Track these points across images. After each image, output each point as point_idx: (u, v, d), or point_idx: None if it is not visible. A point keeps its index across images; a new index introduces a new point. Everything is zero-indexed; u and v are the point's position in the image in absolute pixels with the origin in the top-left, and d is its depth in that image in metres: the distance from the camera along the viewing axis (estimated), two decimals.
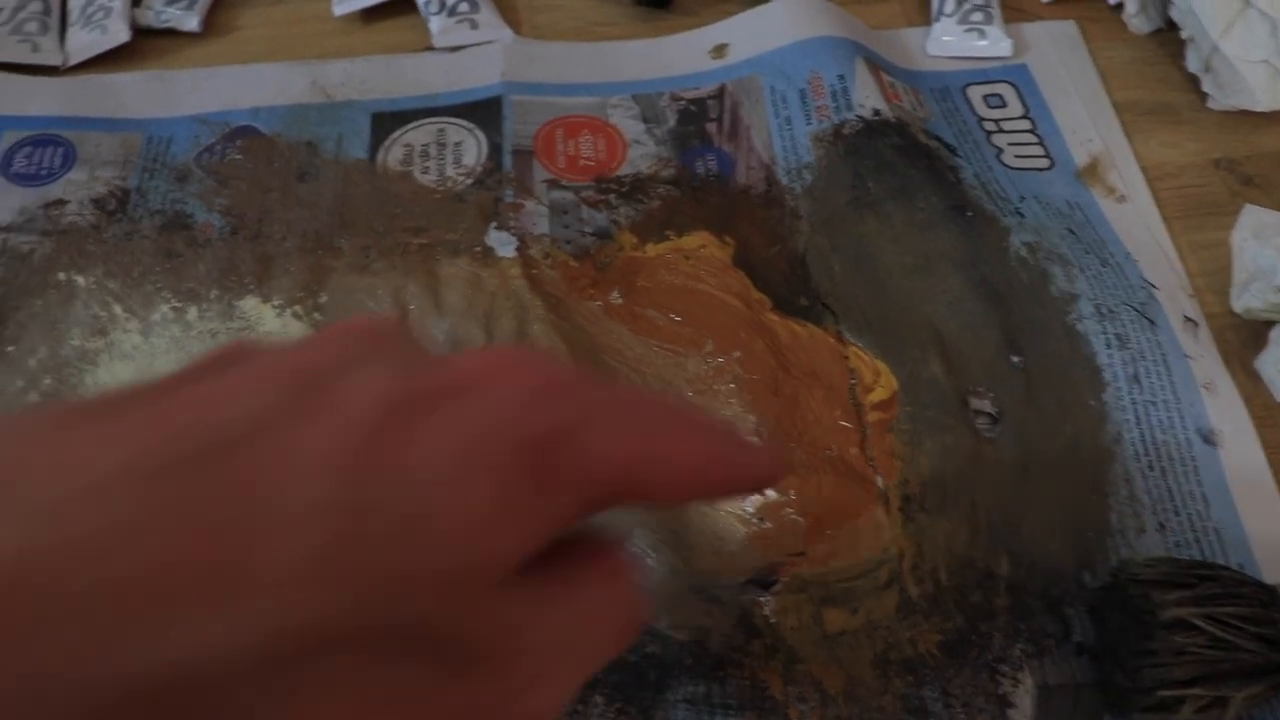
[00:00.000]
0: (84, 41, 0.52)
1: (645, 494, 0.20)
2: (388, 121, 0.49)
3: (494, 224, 0.45)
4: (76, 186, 0.47)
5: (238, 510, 0.15)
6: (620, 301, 0.43)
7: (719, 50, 0.52)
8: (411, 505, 0.16)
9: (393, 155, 0.48)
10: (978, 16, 0.53)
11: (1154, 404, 0.41)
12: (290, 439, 0.16)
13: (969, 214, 0.45)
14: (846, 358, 0.41)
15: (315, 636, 0.15)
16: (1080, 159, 0.49)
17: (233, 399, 0.17)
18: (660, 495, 0.21)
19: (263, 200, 0.46)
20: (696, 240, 0.45)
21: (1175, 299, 0.44)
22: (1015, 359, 0.41)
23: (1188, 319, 0.43)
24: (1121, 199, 0.47)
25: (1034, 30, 0.54)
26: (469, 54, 0.52)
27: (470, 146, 0.48)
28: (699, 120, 0.49)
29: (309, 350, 0.19)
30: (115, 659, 0.14)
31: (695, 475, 0.21)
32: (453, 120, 0.49)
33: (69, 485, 0.15)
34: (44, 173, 0.47)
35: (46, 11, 0.53)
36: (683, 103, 0.50)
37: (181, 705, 0.14)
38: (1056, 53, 0.53)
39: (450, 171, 0.47)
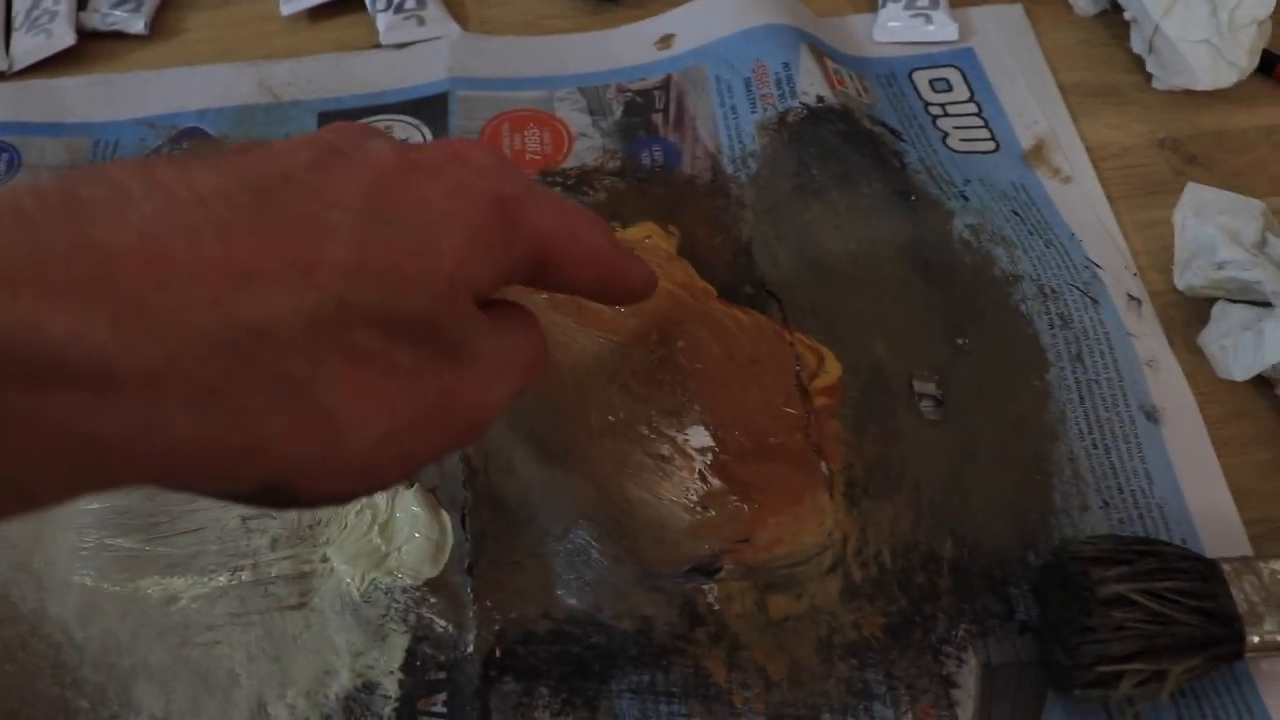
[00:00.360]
0: (29, 46, 0.52)
1: (558, 269, 0.27)
2: (335, 120, 0.49)
3: None
4: None
5: (300, 221, 0.21)
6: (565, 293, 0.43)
7: (665, 41, 0.52)
8: (420, 228, 0.23)
9: None
10: (924, 2, 0.53)
11: (1097, 382, 0.41)
12: (331, 178, 0.22)
13: (913, 199, 0.45)
14: (792, 344, 0.42)
15: (353, 312, 0.21)
16: (1026, 141, 0.49)
17: (282, 156, 0.22)
18: (566, 274, 0.27)
19: None
20: (642, 231, 0.45)
21: (1119, 278, 0.44)
22: (959, 341, 0.42)
23: (1131, 297, 0.43)
24: (1067, 180, 0.47)
25: (980, 14, 0.54)
26: (416, 50, 0.52)
27: (416, 143, 0.48)
28: (645, 111, 0.49)
29: (329, 130, 0.25)
30: (215, 313, 0.19)
31: (596, 259, 0.28)
32: (399, 117, 0.49)
33: (177, 195, 0.20)
34: None
35: None
36: (629, 94, 0.50)
37: (255, 352, 0.19)
38: (1003, 36, 0.53)
39: None
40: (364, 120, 0.49)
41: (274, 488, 0.21)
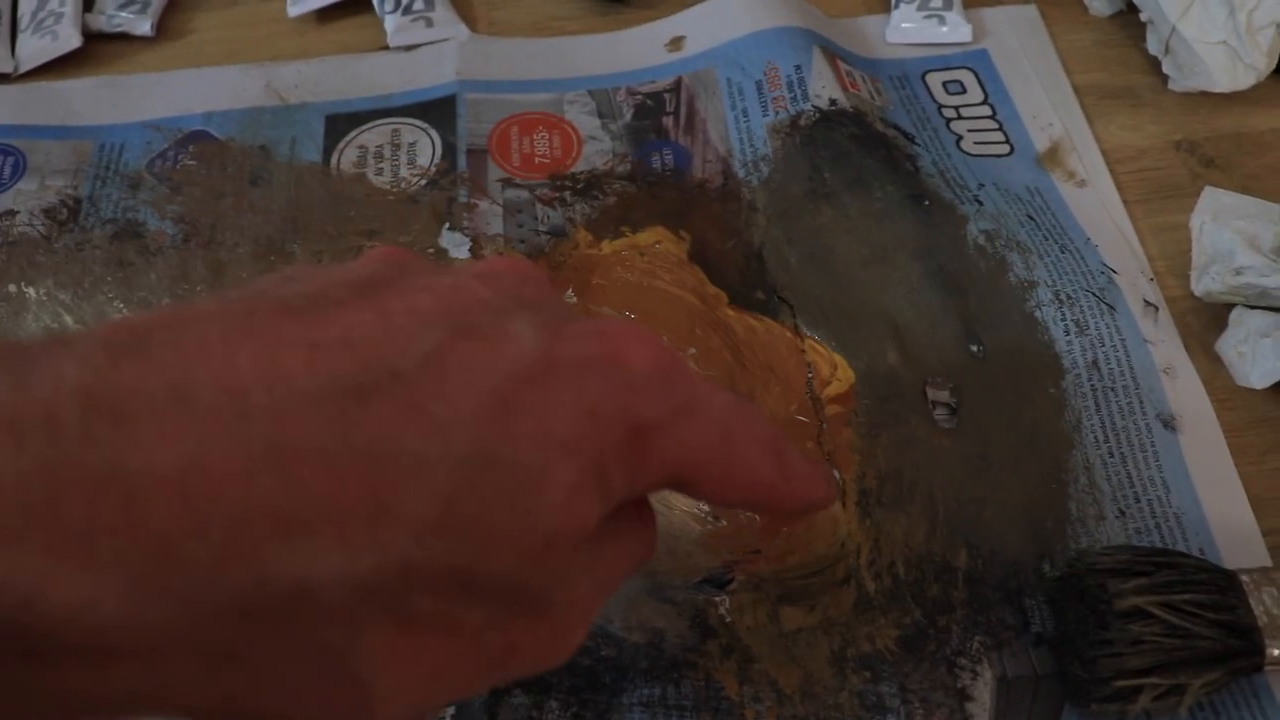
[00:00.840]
0: (35, 48, 0.52)
1: (701, 489, 0.23)
2: (342, 123, 0.49)
3: (447, 225, 0.45)
4: (27, 196, 0.46)
5: (387, 454, 0.17)
6: (575, 300, 0.42)
7: (675, 43, 0.52)
8: (526, 471, 0.18)
9: (347, 157, 0.48)
10: (937, 2, 0.53)
11: (1113, 390, 0.40)
12: (437, 389, 0.18)
13: (926, 203, 0.45)
14: (803, 351, 0.41)
15: (418, 577, 0.17)
16: (1040, 144, 0.48)
17: (397, 333, 0.18)
18: (712, 495, 0.23)
19: (215, 206, 0.46)
20: (652, 236, 0.44)
21: (1135, 283, 0.43)
22: (974, 348, 0.41)
23: (1148, 303, 0.43)
24: (1082, 183, 0.47)
25: (994, 15, 0.54)
26: (424, 53, 0.52)
27: (424, 147, 0.48)
28: (655, 114, 0.49)
29: (467, 287, 0.20)
30: (249, 569, 0.16)
31: (751, 484, 0.23)
32: (407, 120, 0.49)
33: (249, 400, 0.16)
34: None
35: None
36: (638, 97, 0.49)
37: (287, 617, 0.16)
38: (1017, 37, 0.53)
39: (404, 173, 0.47)
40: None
41: None
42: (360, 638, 0.17)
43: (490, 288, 0.21)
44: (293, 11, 0.54)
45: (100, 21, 0.53)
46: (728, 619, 0.35)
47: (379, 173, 0.47)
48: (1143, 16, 0.50)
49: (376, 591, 0.17)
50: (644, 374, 0.20)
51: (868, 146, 0.46)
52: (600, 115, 0.49)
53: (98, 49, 0.53)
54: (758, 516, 0.37)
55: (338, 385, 0.17)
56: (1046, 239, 0.44)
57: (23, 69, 0.52)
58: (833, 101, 0.47)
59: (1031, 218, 0.45)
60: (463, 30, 0.53)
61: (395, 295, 0.19)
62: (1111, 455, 0.39)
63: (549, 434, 0.19)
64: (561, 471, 0.19)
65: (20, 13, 0.53)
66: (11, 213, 0.46)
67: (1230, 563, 0.36)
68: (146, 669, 0.16)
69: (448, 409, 0.18)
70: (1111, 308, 0.42)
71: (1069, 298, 0.42)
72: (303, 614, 0.16)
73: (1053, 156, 0.48)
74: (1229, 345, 0.41)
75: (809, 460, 0.25)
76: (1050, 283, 0.43)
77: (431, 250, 0.44)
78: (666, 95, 0.49)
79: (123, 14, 0.53)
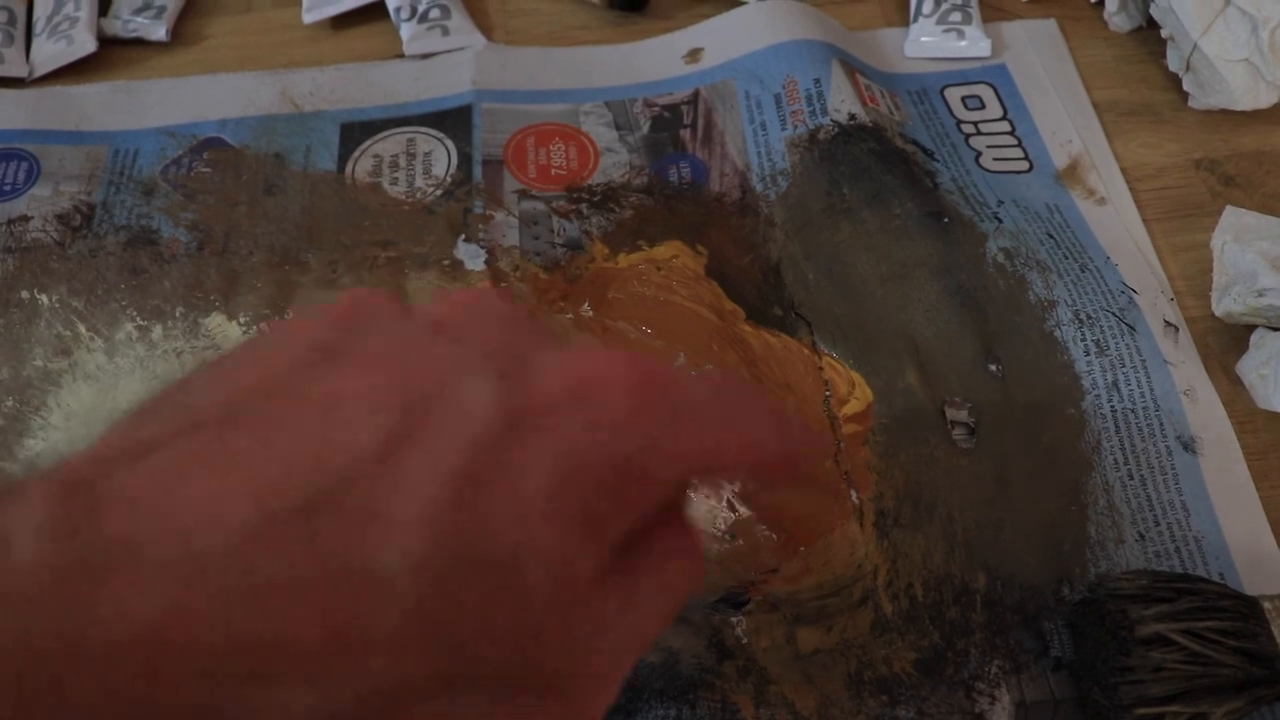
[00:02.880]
0: (50, 52, 0.52)
1: (705, 476, 0.21)
2: (357, 132, 0.49)
3: (463, 236, 0.44)
4: (40, 202, 0.46)
5: (345, 573, 0.16)
6: (591, 314, 0.42)
7: (693, 55, 0.51)
8: (500, 557, 0.17)
9: (362, 166, 0.47)
10: (956, 16, 0.52)
11: (1133, 411, 0.40)
12: (392, 484, 0.16)
13: (945, 220, 0.44)
14: (821, 369, 0.41)
15: (408, 687, 0.16)
16: (1060, 161, 0.48)
17: (344, 429, 0.17)
18: (717, 475, 0.22)
19: (229, 214, 0.46)
20: (669, 250, 0.44)
21: (1155, 303, 0.43)
22: (993, 368, 0.41)
23: (1168, 324, 0.42)
24: (1101, 201, 0.47)
25: (1013, 29, 0.53)
26: (439, 61, 0.52)
27: (440, 156, 0.48)
28: (672, 127, 0.48)
29: (420, 347, 0.19)
30: (227, 712, 0.15)
31: (753, 469, 0.22)
32: (422, 130, 0.49)
33: (192, 548, 0.15)
34: (7, 188, 0.47)
35: (12, 22, 0.52)
36: (656, 109, 0.49)
37: None
38: (1036, 52, 0.52)
39: (420, 182, 0.47)
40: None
41: None
42: None
43: (450, 341, 0.19)
44: (308, 18, 0.54)
45: (115, 26, 0.53)
46: (744, 640, 0.35)
47: (394, 182, 0.47)
48: (1163, 33, 0.50)
49: (366, 717, 0.16)
50: (620, 403, 0.19)
51: (887, 162, 0.46)
52: (617, 127, 0.48)
53: (113, 54, 0.53)
54: (775, 535, 0.37)
55: (285, 506, 0.16)
56: (1066, 257, 0.44)
57: (37, 73, 0.52)
58: (852, 116, 0.47)
59: (1051, 236, 0.45)
60: (479, 39, 0.52)
61: (345, 374, 0.18)
62: (1131, 477, 0.39)
63: (521, 508, 0.17)
64: (540, 545, 0.17)
65: (35, 17, 0.53)
66: (25, 218, 0.46)
67: (1251, 588, 0.36)
68: None
69: (405, 507, 0.16)
70: (1132, 328, 0.42)
71: (1089, 317, 0.42)
72: None
73: (1072, 173, 0.48)
74: (1250, 367, 0.41)
75: (806, 429, 0.25)
76: (1070, 302, 0.42)
77: (447, 262, 0.44)
78: (684, 107, 0.49)
79: (138, 19, 0.53)
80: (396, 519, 0.16)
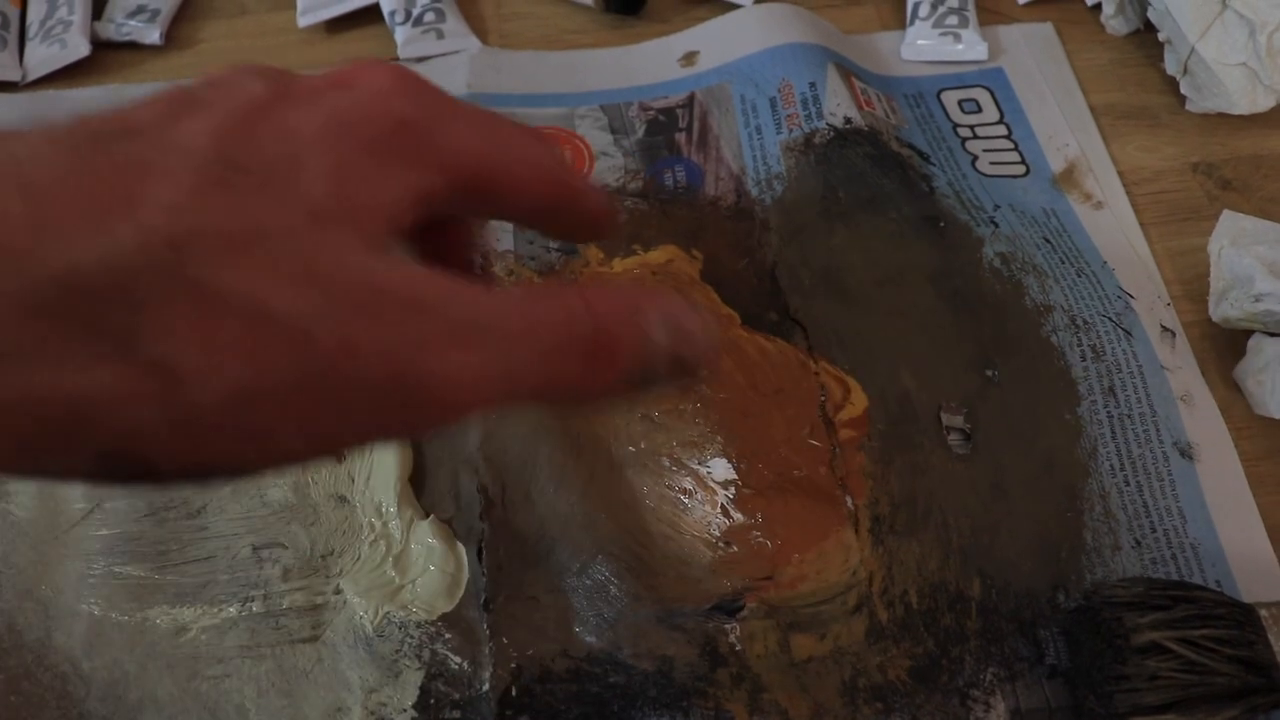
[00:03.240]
0: (43, 56, 0.52)
1: (497, 194, 0.23)
2: None
3: None
4: None
5: (126, 165, 0.18)
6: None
7: (689, 58, 0.51)
8: (279, 161, 0.19)
9: None
10: (953, 20, 0.52)
11: (1130, 417, 0.40)
12: (180, 125, 0.19)
13: (941, 224, 0.44)
14: (817, 374, 0.41)
15: (192, 248, 0.18)
16: (1056, 165, 0.48)
17: (133, 110, 0.20)
18: (509, 199, 0.23)
19: None
20: (664, 254, 0.44)
21: (1152, 308, 0.43)
22: (989, 373, 0.41)
23: (1165, 329, 0.42)
24: (1098, 205, 0.46)
25: (1010, 33, 0.53)
26: (434, 64, 0.51)
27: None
28: (667, 130, 0.48)
29: (202, 78, 0.21)
30: (9, 270, 0.17)
31: (540, 177, 0.23)
32: None
33: (12, 148, 0.18)
34: None
35: (4, 26, 0.52)
36: (651, 112, 0.49)
37: (62, 306, 0.17)
38: (1032, 55, 0.52)
39: None
40: None
41: (115, 456, 0.19)
42: (140, 315, 0.18)
43: (226, 74, 0.22)
44: (302, 22, 0.53)
45: (109, 30, 0.53)
46: (738, 647, 0.35)
47: None
48: (1161, 36, 0.50)
49: (147, 266, 0.18)
50: (388, 86, 0.21)
51: (883, 166, 0.45)
52: (612, 130, 0.48)
53: (106, 57, 0.53)
54: (769, 542, 0.37)
55: (72, 141, 0.19)
56: (1063, 262, 0.44)
57: (30, 77, 0.51)
58: (847, 120, 0.47)
59: (1048, 240, 0.44)
60: (474, 42, 0.52)
61: (144, 98, 0.21)
62: (1128, 484, 0.38)
63: (294, 135, 0.20)
64: (314, 159, 0.19)
65: (29, 21, 0.53)
66: None
67: (1248, 595, 0.36)
68: None
69: (182, 138, 0.19)
70: (1128, 333, 0.42)
71: (1085, 322, 0.42)
72: (75, 298, 0.17)
73: (1069, 178, 0.47)
74: (1247, 373, 0.41)
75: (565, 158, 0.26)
76: (1066, 307, 0.42)
77: None
78: (679, 111, 0.49)
79: (132, 23, 0.53)
80: (177, 141, 0.19)
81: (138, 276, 0.18)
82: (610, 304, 0.22)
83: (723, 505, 0.37)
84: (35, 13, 0.53)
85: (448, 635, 0.35)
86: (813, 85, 0.48)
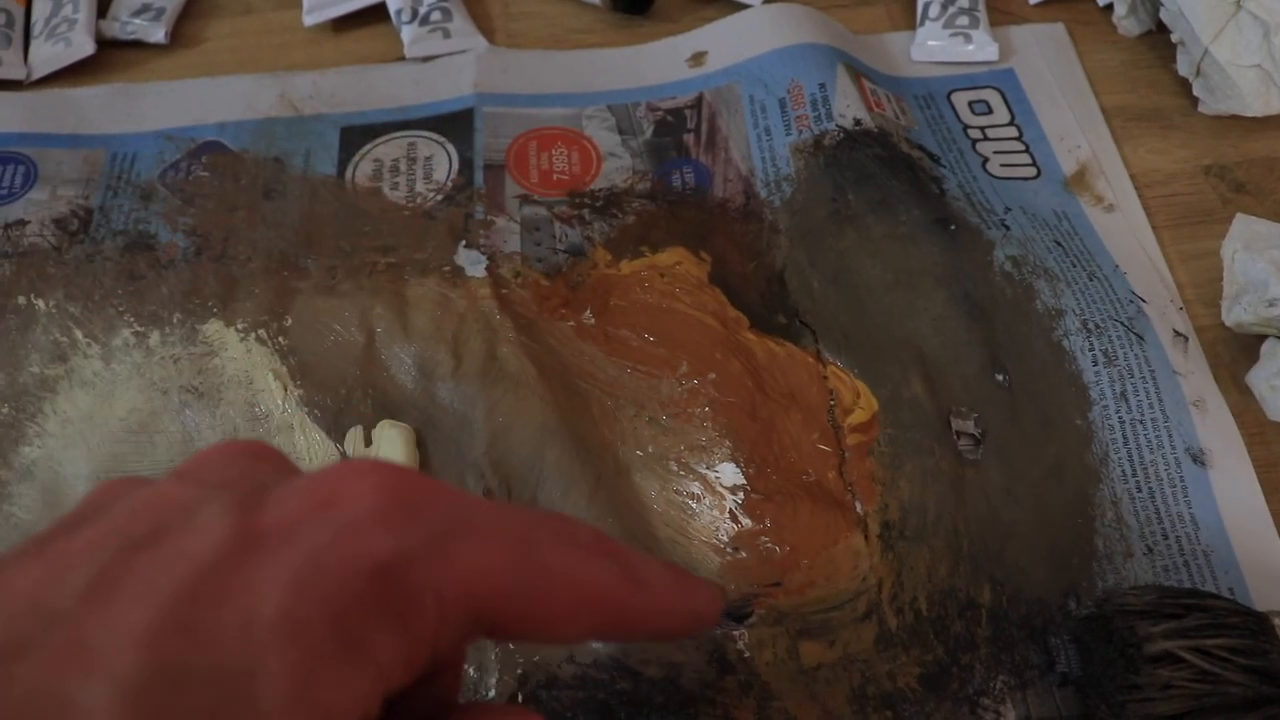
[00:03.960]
0: (47, 55, 0.51)
1: (525, 621, 0.18)
2: (357, 135, 0.48)
3: (463, 242, 0.44)
4: (38, 206, 0.46)
5: (42, 712, 0.14)
6: (593, 322, 0.41)
7: (697, 58, 0.51)
8: (226, 673, 0.15)
9: (362, 170, 0.47)
10: (963, 20, 0.52)
11: (1142, 423, 0.39)
12: (103, 616, 0.15)
13: (952, 227, 0.44)
14: (825, 378, 0.40)
15: None
16: (1068, 167, 0.47)
17: (59, 572, 0.16)
18: (545, 624, 0.19)
19: (228, 219, 0.45)
20: (672, 257, 0.43)
21: (1164, 313, 0.42)
22: (999, 377, 0.40)
23: (1177, 333, 0.42)
24: (1110, 208, 0.46)
25: (1021, 33, 0.53)
26: (441, 64, 0.51)
27: (441, 161, 0.47)
28: (676, 131, 0.48)
29: (159, 494, 0.18)
30: None
31: (590, 597, 0.19)
32: (423, 133, 0.48)
33: None
34: (4, 192, 0.46)
35: (9, 24, 0.52)
36: (659, 113, 0.49)
37: None
38: (1044, 56, 0.52)
39: (420, 187, 0.46)
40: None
41: None
42: None
43: (188, 484, 0.18)
44: (308, 20, 0.53)
45: (114, 28, 0.53)
46: (746, 654, 0.35)
47: (394, 187, 0.46)
48: (1173, 37, 0.49)
49: None
50: (372, 507, 0.17)
51: (892, 168, 0.45)
52: (620, 131, 0.48)
53: (111, 56, 0.52)
54: (778, 548, 0.36)
55: None
56: (1074, 265, 0.43)
57: (35, 76, 0.51)
58: (857, 121, 0.46)
59: (1059, 243, 0.44)
60: (481, 42, 0.52)
61: (80, 531, 0.17)
62: (1140, 490, 0.38)
63: (252, 621, 0.15)
64: (277, 662, 0.15)
65: (34, 19, 0.53)
66: (22, 222, 0.45)
67: (1261, 604, 0.36)
68: None
69: (113, 634, 0.15)
70: (1140, 337, 0.41)
71: (1097, 327, 0.41)
72: None
73: (1080, 180, 0.47)
74: (1260, 379, 0.40)
75: (667, 566, 0.21)
76: (1078, 311, 0.42)
77: (447, 268, 0.43)
78: (688, 111, 0.49)
79: (137, 21, 0.53)
80: (105, 647, 0.15)
81: None
82: None
83: (731, 510, 0.37)
84: (40, 11, 0.53)
85: None
86: (822, 86, 0.47)
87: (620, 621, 0.20)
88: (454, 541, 0.17)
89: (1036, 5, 0.54)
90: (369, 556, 0.17)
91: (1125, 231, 0.45)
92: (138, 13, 0.53)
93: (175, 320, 0.42)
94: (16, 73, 0.51)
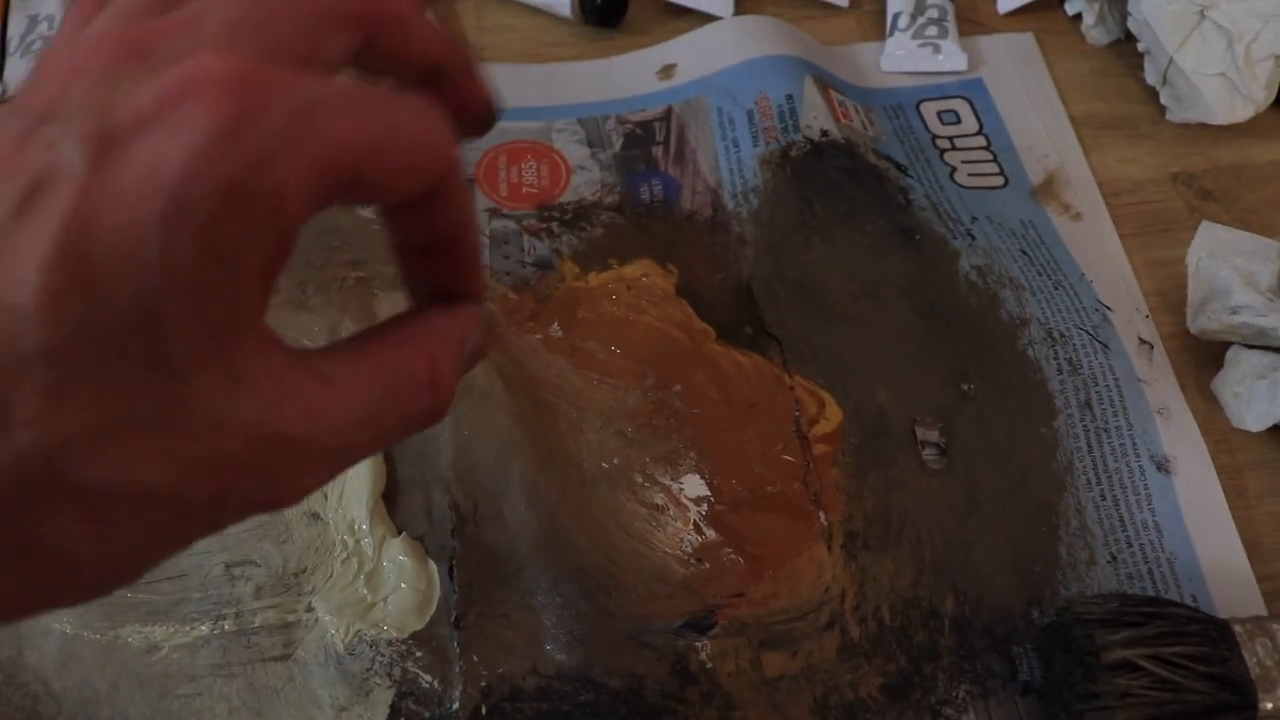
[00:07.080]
0: (23, 71, 0.52)
1: (377, 179, 0.19)
2: None
3: None
4: None
5: None
6: (560, 334, 0.42)
7: (667, 71, 0.51)
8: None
9: None
10: (933, 30, 0.52)
11: (1106, 430, 0.40)
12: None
13: (918, 237, 0.44)
14: (791, 388, 0.40)
15: (57, 457, 0.16)
16: (1035, 176, 0.48)
17: None
18: (391, 179, 0.19)
19: None
20: (639, 269, 0.44)
21: (1130, 321, 0.43)
22: (964, 387, 0.41)
23: (1142, 341, 0.42)
24: (1077, 216, 0.46)
25: (990, 43, 0.53)
26: None
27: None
28: (645, 144, 0.48)
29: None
30: None
31: (410, 166, 0.20)
32: None
33: None
34: None
35: None
36: (629, 126, 0.49)
37: None
38: (1013, 66, 0.52)
39: None
40: None
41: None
42: (41, 526, 0.17)
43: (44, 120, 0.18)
44: None
45: None
46: (709, 665, 0.35)
47: None
48: (1140, 47, 0.50)
49: (33, 484, 0.17)
50: (216, 114, 0.17)
51: (859, 179, 0.45)
52: (590, 144, 0.48)
53: None
54: (742, 558, 0.36)
55: None
56: (1040, 275, 0.43)
57: (11, 91, 0.51)
58: (824, 132, 0.47)
59: (1025, 252, 0.44)
60: None
61: None
62: (1104, 498, 0.38)
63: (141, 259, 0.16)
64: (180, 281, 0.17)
65: (9, 35, 0.53)
66: None
67: (1224, 610, 0.36)
68: None
69: (20, 260, 0.16)
70: (1105, 346, 0.41)
71: (1062, 335, 0.41)
72: None
73: (1048, 189, 0.47)
74: (1225, 386, 0.41)
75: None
76: (1043, 320, 0.42)
77: None
78: (657, 124, 0.49)
79: None
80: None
81: (26, 495, 0.17)
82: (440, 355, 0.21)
83: (695, 521, 0.37)
84: (16, 28, 0.53)
85: (419, 653, 0.35)
86: (789, 98, 0.48)
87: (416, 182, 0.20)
88: (316, 113, 0.18)
89: (1006, 15, 0.54)
90: (221, 175, 0.17)
91: (1092, 240, 0.45)
92: None
93: None
94: None
